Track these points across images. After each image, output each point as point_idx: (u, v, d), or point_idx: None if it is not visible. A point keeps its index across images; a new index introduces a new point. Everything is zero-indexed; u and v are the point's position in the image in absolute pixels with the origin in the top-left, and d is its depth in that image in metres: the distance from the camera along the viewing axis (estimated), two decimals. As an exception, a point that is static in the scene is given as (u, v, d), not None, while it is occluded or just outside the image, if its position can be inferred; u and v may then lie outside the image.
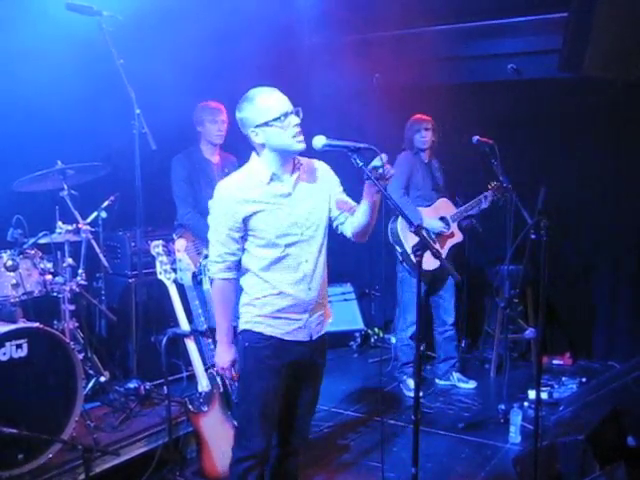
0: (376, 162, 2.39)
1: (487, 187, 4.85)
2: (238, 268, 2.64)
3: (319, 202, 2.65)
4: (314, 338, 2.67)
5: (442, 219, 4.81)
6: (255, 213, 2.53)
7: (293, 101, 2.57)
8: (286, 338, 2.62)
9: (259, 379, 2.62)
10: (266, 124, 2.49)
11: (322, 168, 2.71)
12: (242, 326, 2.66)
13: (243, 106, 2.55)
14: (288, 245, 2.56)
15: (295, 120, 2.51)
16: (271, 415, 2.66)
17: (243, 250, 2.61)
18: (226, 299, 2.65)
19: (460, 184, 5.18)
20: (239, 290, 2.69)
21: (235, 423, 3.11)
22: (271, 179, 2.56)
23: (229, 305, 2.66)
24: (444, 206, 4.89)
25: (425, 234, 2.39)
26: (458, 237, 4.92)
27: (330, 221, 2.70)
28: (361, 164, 2.45)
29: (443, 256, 4.73)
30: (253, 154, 2.63)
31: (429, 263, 2.64)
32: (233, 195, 2.54)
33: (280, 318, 2.61)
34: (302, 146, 2.52)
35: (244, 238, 2.58)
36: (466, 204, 4.88)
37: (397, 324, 5.20)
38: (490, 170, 4.53)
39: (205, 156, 4.21)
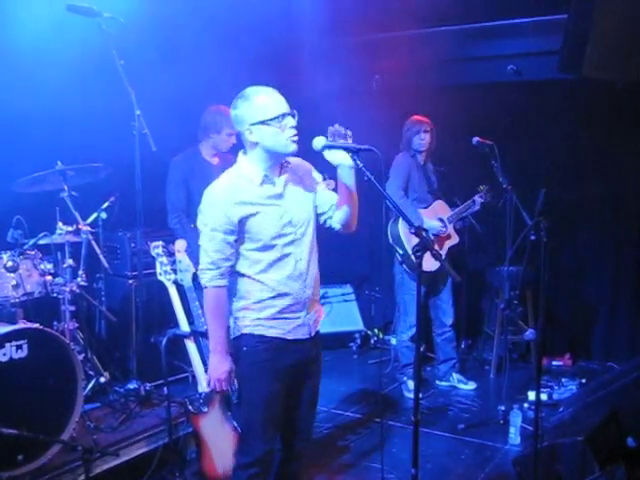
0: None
1: (478, 190, 4.91)
2: (231, 274, 2.59)
3: (307, 199, 2.65)
4: (312, 335, 2.68)
5: (439, 220, 4.82)
6: (251, 215, 2.50)
7: (291, 102, 2.55)
8: (288, 337, 2.61)
9: (259, 384, 2.59)
10: (263, 123, 2.47)
11: (305, 167, 2.71)
12: (240, 330, 2.62)
13: (238, 103, 2.53)
14: (285, 245, 2.55)
15: (292, 122, 2.50)
16: (273, 419, 2.63)
17: (237, 255, 2.57)
18: (220, 307, 2.59)
19: (460, 185, 5.19)
20: (233, 295, 2.63)
21: (235, 424, 3.12)
22: (263, 181, 2.54)
23: (223, 313, 2.61)
24: (440, 208, 4.91)
25: (425, 235, 2.39)
26: (455, 239, 4.94)
27: (317, 217, 2.70)
28: (361, 165, 2.46)
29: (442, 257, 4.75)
30: (240, 154, 2.61)
31: (429, 264, 2.63)
32: (227, 197, 2.50)
33: (280, 319, 2.59)
34: (295, 148, 2.51)
35: (238, 241, 2.54)
36: (460, 206, 4.93)
37: (397, 326, 5.19)
38: (490, 171, 4.54)
39: (205, 157, 4.18)
